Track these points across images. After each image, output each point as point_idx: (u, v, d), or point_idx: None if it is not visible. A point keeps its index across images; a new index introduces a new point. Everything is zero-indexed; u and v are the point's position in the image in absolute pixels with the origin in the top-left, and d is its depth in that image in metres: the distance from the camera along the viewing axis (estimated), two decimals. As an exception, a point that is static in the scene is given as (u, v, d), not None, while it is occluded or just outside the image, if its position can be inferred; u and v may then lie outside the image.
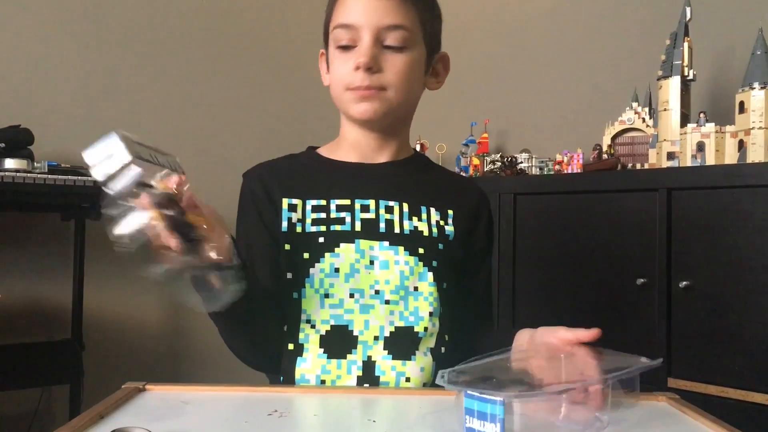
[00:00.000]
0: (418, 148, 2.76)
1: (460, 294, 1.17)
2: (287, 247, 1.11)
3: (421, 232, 1.12)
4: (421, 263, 1.10)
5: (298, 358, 1.06)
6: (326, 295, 1.07)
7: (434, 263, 1.11)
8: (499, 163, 2.47)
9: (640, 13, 2.36)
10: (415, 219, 1.13)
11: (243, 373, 1.23)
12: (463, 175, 2.61)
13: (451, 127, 2.80)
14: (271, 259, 1.12)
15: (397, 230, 1.11)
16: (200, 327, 2.62)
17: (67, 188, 1.99)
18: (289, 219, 1.12)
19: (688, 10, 1.95)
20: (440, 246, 1.13)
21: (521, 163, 2.43)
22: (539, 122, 2.67)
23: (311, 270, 1.08)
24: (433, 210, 1.15)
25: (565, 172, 2.25)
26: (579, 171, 2.21)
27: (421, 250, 1.11)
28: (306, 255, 1.09)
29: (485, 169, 2.56)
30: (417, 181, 1.18)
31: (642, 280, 1.78)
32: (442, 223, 1.15)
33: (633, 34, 2.37)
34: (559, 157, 2.33)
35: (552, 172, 2.35)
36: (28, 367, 2.11)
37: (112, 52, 2.51)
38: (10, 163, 1.97)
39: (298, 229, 1.11)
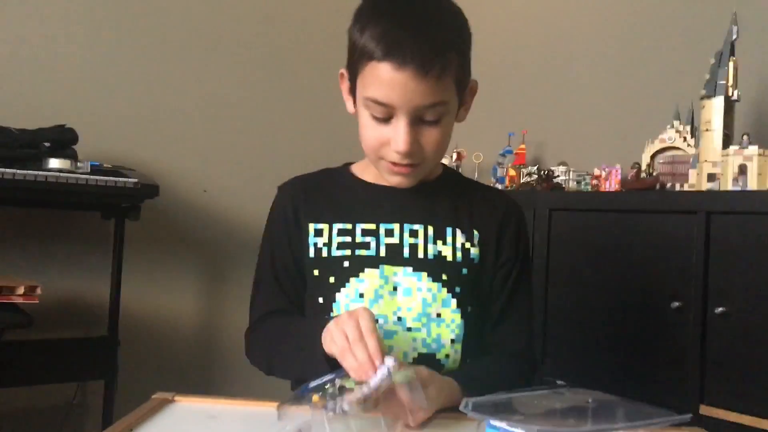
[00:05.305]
0: (455, 156, 2.77)
1: (486, 318, 1.17)
2: (316, 272, 1.13)
3: (445, 257, 1.12)
4: (444, 289, 1.10)
5: None
6: None
7: (457, 289, 1.11)
8: (536, 176, 2.46)
9: (685, 30, 2.32)
10: (439, 243, 1.13)
11: (274, 380, 1.24)
12: (497, 186, 2.60)
13: (489, 136, 2.78)
14: (293, 278, 1.16)
15: (421, 255, 1.11)
16: (234, 330, 2.65)
17: (108, 189, 2.04)
18: (315, 245, 1.14)
19: (734, 28, 1.90)
20: (464, 271, 1.13)
21: (558, 176, 2.41)
22: (578, 135, 2.64)
23: (337, 295, 1.10)
24: (458, 232, 1.14)
25: (603, 186, 2.23)
26: (617, 187, 2.18)
27: (444, 276, 1.10)
28: (332, 279, 1.11)
29: (521, 181, 2.54)
30: (444, 201, 1.17)
31: (677, 304, 1.75)
32: (467, 245, 1.14)
33: (676, 51, 2.33)
34: (596, 172, 2.30)
35: (589, 187, 2.33)
36: (64, 362, 2.16)
37: (157, 54, 2.56)
38: (54, 162, 2.02)
39: (324, 253, 1.13)
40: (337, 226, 1.14)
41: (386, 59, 0.98)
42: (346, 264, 1.10)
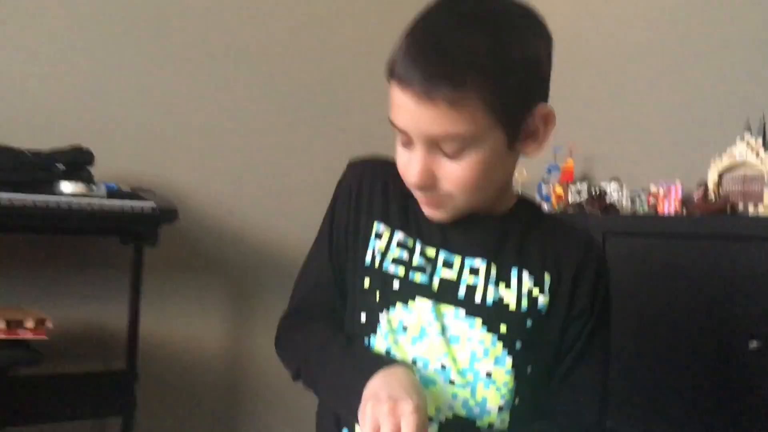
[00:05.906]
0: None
1: (548, 382, 0.99)
2: (366, 283, 0.99)
3: (507, 305, 0.95)
4: (500, 344, 0.93)
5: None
6: (387, 352, 0.94)
7: (517, 345, 0.94)
8: (585, 194, 2.26)
9: (755, 34, 2.09)
10: (502, 286, 0.96)
11: (304, 413, 1.14)
12: (543, 205, 2.41)
13: (533, 151, 2.59)
14: (343, 261, 1.04)
15: (478, 299, 0.95)
16: (262, 361, 2.52)
17: (124, 214, 1.91)
18: (373, 250, 1.00)
19: (815, 29, 1.70)
20: (528, 323, 0.95)
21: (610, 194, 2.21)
22: (631, 148, 2.43)
23: (380, 315, 0.96)
24: (526, 274, 0.97)
25: (661, 206, 2.02)
26: (677, 206, 1.97)
27: (502, 328, 0.93)
28: (377, 297, 0.97)
29: (569, 200, 2.35)
30: (513, 237, 0.99)
31: (755, 344, 1.54)
32: (535, 291, 0.96)
33: (744, 56, 2.11)
34: (653, 189, 2.09)
35: (645, 206, 2.11)
36: (79, 398, 2.04)
37: (175, 69, 2.43)
38: (68, 186, 1.91)
39: (377, 263, 0.98)
40: (398, 236, 0.99)
41: (394, 78, 0.88)
42: (396, 285, 0.96)
